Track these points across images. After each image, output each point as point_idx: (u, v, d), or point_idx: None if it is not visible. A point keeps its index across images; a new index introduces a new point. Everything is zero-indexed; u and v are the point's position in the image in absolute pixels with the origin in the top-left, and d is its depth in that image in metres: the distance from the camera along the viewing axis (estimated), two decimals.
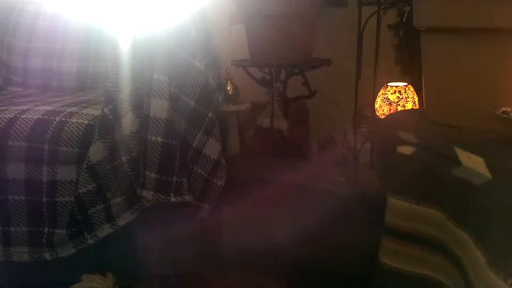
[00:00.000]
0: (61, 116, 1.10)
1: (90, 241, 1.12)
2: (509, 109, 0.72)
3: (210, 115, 1.08)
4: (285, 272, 1.19)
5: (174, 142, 1.03)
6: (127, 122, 1.04)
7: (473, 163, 0.68)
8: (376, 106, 1.38)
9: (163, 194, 1.03)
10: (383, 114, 1.34)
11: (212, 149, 1.09)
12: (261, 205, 1.16)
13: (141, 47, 1.01)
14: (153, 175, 1.03)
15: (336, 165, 1.22)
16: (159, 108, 1.01)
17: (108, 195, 1.10)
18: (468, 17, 0.74)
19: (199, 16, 1.11)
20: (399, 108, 1.32)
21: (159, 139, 1.01)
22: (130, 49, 1.00)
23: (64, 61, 1.61)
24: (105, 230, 1.12)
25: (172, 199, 1.04)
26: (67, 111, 1.13)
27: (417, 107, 1.38)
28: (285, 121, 1.56)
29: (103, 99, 1.05)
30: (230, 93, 1.39)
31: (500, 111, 0.71)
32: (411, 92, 1.36)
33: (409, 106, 1.32)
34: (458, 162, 0.73)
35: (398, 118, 0.98)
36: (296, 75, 1.55)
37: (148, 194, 1.03)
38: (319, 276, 1.14)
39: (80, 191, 1.06)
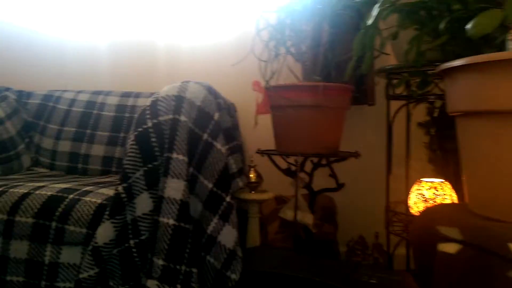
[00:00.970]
0: (75, 194, 1.06)
1: None
2: None
3: (228, 199, 1.01)
4: None
5: (187, 226, 0.95)
6: (141, 202, 0.98)
7: None
8: (410, 202, 1.27)
9: (169, 285, 0.92)
10: (418, 212, 1.23)
11: (228, 237, 1.00)
12: None
13: (162, 127, 0.99)
14: (160, 262, 0.93)
15: (367, 267, 1.09)
16: (175, 188, 0.95)
17: (111, 283, 1.00)
18: (507, 98, 0.68)
19: (222, 100, 1.11)
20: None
21: (171, 221, 0.94)
22: (152, 128, 0.99)
23: (93, 146, 1.64)
24: None
25: None
26: (83, 189, 1.10)
27: None
28: (310, 214, 1.46)
29: (119, 176, 1.01)
30: (252, 180, 1.33)
31: None
32: (448, 189, 1.26)
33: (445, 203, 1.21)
34: None
35: (437, 211, 0.87)
36: (323, 167, 1.49)
37: (152, 284, 0.93)
38: None
39: (81, 276, 0.97)
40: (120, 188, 0.98)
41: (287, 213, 1.49)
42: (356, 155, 1.39)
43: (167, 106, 1.00)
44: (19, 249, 1.00)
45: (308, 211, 1.47)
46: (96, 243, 0.97)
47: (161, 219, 0.94)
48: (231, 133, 1.11)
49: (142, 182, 0.99)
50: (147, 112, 1.00)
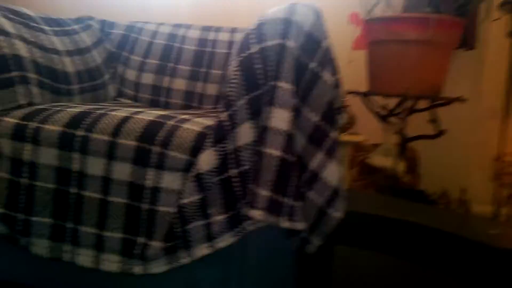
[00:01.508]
0: (174, 120, 1.05)
1: (184, 260, 1.02)
2: None
3: (333, 134, 0.95)
4: None
5: (293, 159, 0.91)
6: (243, 132, 0.95)
7: None
8: None
9: (274, 215, 0.90)
10: None
11: (332, 173, 0.95)
12: (388, 251, 0.97)
13: (268, 53, 0.93)
14: (266, 192, 0.91)
15: (477, 219, 1.01)
16: (280, 118, 0.90)
17: (210, 211, 1.00)
18: None
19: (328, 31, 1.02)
20: None
21: (277, 152, 0.90)
22: (258, 53, 0.93)
23: (175, 80, 1.63)
24: (202, 250, 1.01)
25: (283, 223, 0.90)
26: (180, 117, 1.08)
27: None
28: (400, 162, 1.38)
29: (220, 105, 0.98)
30: (345, 121, 1.26)
31: None
32: None
33: None
34: None
35: None
36: (418, 112, 1.39)
37: (257, 214, 0.91)
38: None
39: (183, 201, 0.97)
40: (223, 115, 0.95)
41: (376, 160, 1.42)
42: (462, 99, 1.28)
43: (274, 30, 0.93)
44: (122, 171, 1.02)
45: (397, 158, 1.39)
46: (199, 169, 0.95)
47: (266, 150, 0.91)
48: (335, 64, 1.03)
49: (245, 111, 0.95)
50: (252, 36, 0.94)
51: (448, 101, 1.27)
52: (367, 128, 1.47)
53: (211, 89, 1.61)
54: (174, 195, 1.01)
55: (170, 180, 1.01)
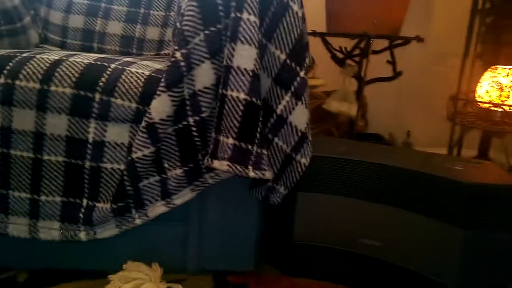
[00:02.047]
0: (117, 63, 0.90)
1: (138, 221, 0.91)
2: None
3: (302, 74, 0.86)
4: (373, 282, 0.96)
5: (258, 102, 0.82)
6: (202, 74, 0.83)
7: None
8: (480, 92, 1.16)
9: (240, 165, 0.82)
10: (491, 101, 1.12)
11: (300, 117, 0.87)
12: (355, 195, 0.94)
13: None
14: (231, 140, 0.81)
15: (440, 156, 1.00)
16: (245, 56, 0.80)
17: (166, 165, 0.89)
18: None
19: None
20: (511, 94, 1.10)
21: (242, 95, 0.80)
22: None
23: (109, 23, 1.43)
24: (158, 208, 0.91)
25: (251, 173, 0.82)
26: (123, 59, 0.93)
27: None
28: (356, 105, 1.34)
29: (174, 42, 0.85)
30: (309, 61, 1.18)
31: None
32: None
33: None
34: None
35: None
36: (374, 54, 1.34)
37: (222, 164, 0.81)
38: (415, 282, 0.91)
39: (134, 155, 0.85)
40: (178, 54, 0.82)
41: (332, 105, 1.37)
42: (419, 39, 1.24)
43: None
44: (57, 124, 0.86)
45: (354, 101, 1.35)
46: (151, 118, 0.83)
47: (229, 92, 0.80)
48: None
49: (203, 49, 0.82)
50: None
51: (407, 41, 1.23)
52: (322, 72, 1.40)
53: (152, 33, 1.43)
54: (123, 149, 0.88)
55: (116, 133, 0.87)
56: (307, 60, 0.92)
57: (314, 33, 1.22)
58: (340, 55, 1.29)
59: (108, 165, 0.88)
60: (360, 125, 1.49)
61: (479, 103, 1.18)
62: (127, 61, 0.92)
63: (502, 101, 1.13)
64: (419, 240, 0.89)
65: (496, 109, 1.12)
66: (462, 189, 0.82)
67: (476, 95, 1.19)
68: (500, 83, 1.11)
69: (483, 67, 1.59)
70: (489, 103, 1.13)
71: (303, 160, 0.90)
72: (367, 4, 1.11)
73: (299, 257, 1.00)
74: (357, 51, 1.31)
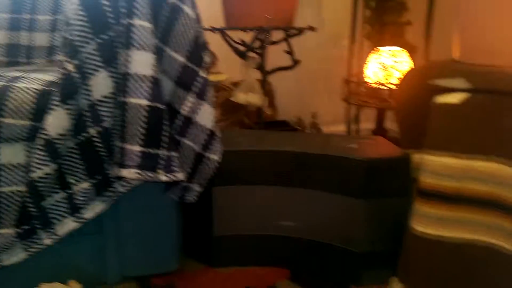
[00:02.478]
0: (3, 81, 0.83)
1: (47, 241, 0.87)
2: None
3: (203, 74, 0.88)
4: (292, 259, 1.03)
5: (162, 106, 0.82)
6: (98, 83, 0.81)
7: None
8: (368, 73, 1.27)
9: (150, 171, 0.82)
10: (378, 81, 1.24)
11: (206, 116, 0.89)
12: (267, 182, 0.98)
13: None
14: (137, 147, 0.81)
15: (338, 136, 1.08)
16: (142, 62, 0.79)
17: (71, 180, 0.86)
18: None
19: None
20: (395, 73, 1.22)
21: (144, 101, 0.80)
22: None
23: None
24: (68, 225, 0.87)
25: (162, 177, 0.83)
26: (10, 75, 0.87)
27: None
28: (263, 96, 1.40)
29: (64, 53, 0.81)
30: (209, 60, 1.19)
31: None
32: (406, 55, 1.27)
33: (405, 69, 1.22)
34: None
35: (429, 67, 0.86)
36: (274, 45, 1.40)
37: (130, 173, 0.80)
38: (329, 258, 0.99)
39: (33, 175, 0.80)
40: (70, 66, 0.78)
41: (239, 96, 1.41)
42: (312, 28, 1.32)
43: None
44: None
45: (260, 92, 1.40)
46: (47, 134, 0.79)
47: (130, 99, 0.79)
48: None
49: (96, 58, 0.80)
50: None
51: (300, 31, 1.29)
52: (227, 65, 1.43)
53: (41, 39, 1.33)
54: (20, 170, 0.83)
55: (11, 153, 0.82)
56: (206, 59, 0.93)
57: (212, 29, 1.23)
58: (242, 48, 1.32)
59: (6, 188, 0.83)
60: (269, 113, 1.55)
61: (368, 84, 1.29)
62: (15, 76, 0.86)
63: (386, 80, 1.25)
64: (328, 215, 0.97)
65: (383, 87, 1.24)
66: (357, 165, 0.90)
67: (365, 76, 1.31)
68: (383, 63, 1.23)
69: (372, 48, 1.73)
70: (377, 83, 1.25)
71: (214, 157, 0.93)
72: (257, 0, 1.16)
73: (221, 248, 1.04)
74: (257, 44, 1.35)
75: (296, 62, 1.36)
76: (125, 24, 0.78)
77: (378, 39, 1.70)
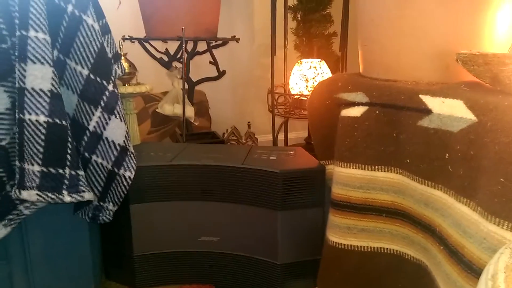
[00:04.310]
0: None
1: None
2: (467, 52, 0.66)
3: (110, 88, 0.84)
4: (217, 275, 1.01)
5: (64, 123, 0.78)
6: None
7: (449, 108, 0.60)
8: (292, 84, 1.28)
9: (52, 192, 0.77)
10: (300, 92, 1.26)
11: (115, 132, 0.86)
12: (187, 198, 0.96)
13: None
14: (36, 167, 0.76)
15: (260, 148, 1.09)
16: (39, 76, 0.74)
17: None
18: None
19: None
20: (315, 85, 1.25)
21: (42, 118, 0.75)
22: None
23: None
24: None
25: (67, 198, 0.78)
26: None
27: None
28: (191, 107, 1.38)
29: None
30: (126, 71, 1.15)
31: (461, 53, 0.65)
32: (325, 67, 1.30)
33: None
34: (426, 111, 0.65)
35: (334, 80, 0.88)
36: (199, 55, 1.39)
37: (30, 194, 0.75)
38: (252, 271, 0.99)
39: None
40: None
41: (165, 108, 1.38)
42: (236, 39, 1.32)
43: None
44: None
45: (188, 103, 1.38)
46: None
47: (27, 116, 0.74)
48: (99, 7, 0.90)
49: None
50: None
51: (224, 42, 1.29)
52: (152, 76, 1.39)
53: None
54: None
55: None
56: (114, 73, 0.90)
57: (130, 39, 1.20)
58: (165, 58, 1.30)
59: None
60: (196, 124, 1.52)
61: (292, 95, 1.31)
62: None
63: (309, 91, 1.27)
64: (250, 228, 0.96)
65: (305, 98, 1.26)
66: (273, 177, 0.90)
67: (290, 87, 1.33)
68: (305, 75, 1.26)
69: (300, 58, 1.77)
70: (299, 94, 1.27)
71: (127, 174, 0.89)
72: (177, 9, 1.14)
73: (143, 268, 1.00)
74: (180, 54, 1.33)
75: (221, 73, 1.35)
76: (19, 36, 0.74)
77: (307, 50, 1.75)
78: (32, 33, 0.74)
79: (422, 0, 0.70)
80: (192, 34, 1.18)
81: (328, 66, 1.59)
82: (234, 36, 1.31)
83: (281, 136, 1.77)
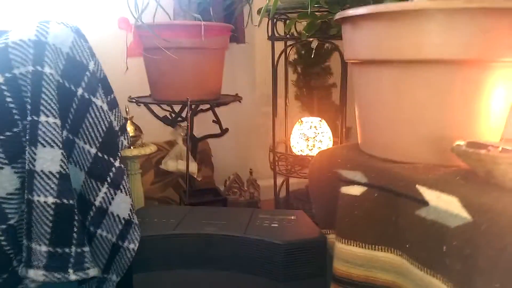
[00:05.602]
0: None
1: None
2: (461, 142, 0.69)
3: (117, 164, 0.87)
4: None
5: (71, 202, 0.80)
6: (3, 180, 0.78)
7: (445, 203, 0.62)
8: (293, 142, 1.31)
9: (59, 271, 0.78)
10: (301, 150, 1.28)
11: (121, 205, 0.88)
12: (189, 266, 0.97)
13: (20, 82, 0.77)
14: (44, 248, 0.77)
15: (263, 212, 1.10)
16: (48, 159, 0.77)
17: None
18: (410, 47, 0.71)
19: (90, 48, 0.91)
20: (316, 144, 1.27)
21: (50, 199, 0.77)
22: (5, 84, 0.76)
23: None
24: None
25: (72, 276, 0.79)
26: None
27: (332, 141, 1.36)
28: (194, 163, 1.40)
29: None
30: (131, 134, 1.19)
31: (454, 144, 0.68)
32: (325, 126, 1.33)
33: (325, 140, 1.28)
34: (423, 202, 0.67)
35: (335, 155, 0.90)
36: (203, 112, 1.42)
37: (37, 274, 0.77)
38: None
39: None
40: None
41: (169, 164, 1.40)
42: (238, 98, 1.36)
43: (24, 55, 0.77)
44: None
45: (191, 159, 1.41)
46: None
47: (36, 198, 0.77)
48: (107, 83, 0.94)
49: (0, 155, 0.77)
50: None
51: (227, 103, 1.33)
52: (155, 131, 1.43)
53: None
54: None
55: None
56: (121, 145, 0.93)
57: (137, 102, 1.24)
58: (170, 117, 1.33)
59: None
60: (202, 178, 1.55)
61: (292, 155, 1.34)
62: None
63: (310, 150, 1.30)
64: None
65: (307, 156, 1.29)
66: (275, 248, 0.92)
67: (291, 145, 1.36)
68: (305, 134, 1.29)
69: (301, 108, 1.81)
70: (300, 152, 1.30)
71: (131, 246, 0.91)
72: (182, 75, 1.18)
73: None
74: (185, 113, 1.37)
75: (224, 131, 1.38)
76: (31, 120, 0.77)
77: (306, 100, 1.79)
78: (43, 118, 0.77)
79: (416, 91, 0.74)
80: (196, 97, 1.22)
81: (328, 116, 1.62)
82: (237, 94, 1.35)
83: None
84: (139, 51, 1.19)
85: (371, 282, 0.79)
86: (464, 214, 0.59)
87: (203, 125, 1.53)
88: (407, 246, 0.72)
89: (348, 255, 0.81)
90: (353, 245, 0.80)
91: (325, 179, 0.91)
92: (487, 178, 0.64)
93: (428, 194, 0.66)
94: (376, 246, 0.77)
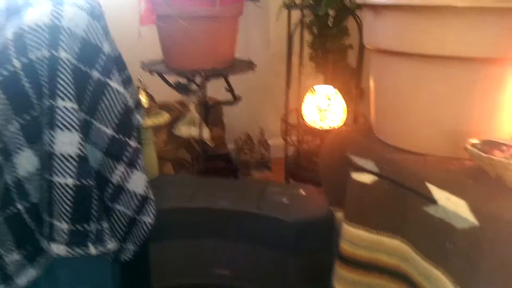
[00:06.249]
0: None
1: None
2: (475, 141, 0.69)
3: (133, 144, 0.89)
4: None
5: (91, 183, 0.83)
6: (24, 161, 0.81)
7: (454, 205, 0.64)
8: (305, 111, 1.31)
9: (80, 247, 0.83)
10: (313, 121, 1.28)
11: (137, 183, 0.91)
12: (202, 236, 1.02)
13: (36, 67, 0.78)
14: (65, 225, 0.82)
15: (274, 185, 1.13)
16: (67, 142, 0.79)
17: (1, 251, 0.86)
18: (433, 43, 0.69)
19: (106, 24, 0.89)
20: (329, 115, 1.27)
21: (70, 181, 0.80)
22: (22, 70, 0.77)
23: None
24: None
25: (93, 251, 0.84)
26: None
27: (346, 113, 1.36)
28: (206, 129, 1.42)
29: None
30: (145, 106, 1.20)
31: (470, 144, 0.68)
32: (340, 98, 1.32)
33: (338, 112, 1.28)
34: (432, 201, 0.68)
35: (347, 139, 0.91)
36: (216, 79, 1.41)
37: (60, 249, 0.82)
38: None
39: None
40: None
41: (182, 130, 1.42)
42: (252, 66, 1.34)
43: (39, 40, 0.76)
44: None
45: (204, 126, 1.42)
46: None
47: (56, 179, 0.80)
48: (121, 61, 0.93)
49: (20, 137, 0.80)
50: (11, 48, 0.76)
51: (241, 71, 1.32)
52: (167, 90, 1.42)
53: None
54: None
55: None
56: (136, 122, 0.94)
57: (150, 71, 1.23)
58: (182, 84, 1.33)
59: None
60: (215, 143, 1.56)
61: (305, 124, 1.34)
62: None
63: (321, 120, 1.30)
64: (261, 267, 1.02)
65: (319, 127, 1.29)
66: (286, 226, 0.96)
67: (303, 114, 1.35)
68: (319, 106, 1.28)
69: (315, 70, 1.78)
70: (313, 123, 1.30)
71: (147, 220, 0.95)
72: (195, 43, 1.16)
73: None
74: (198, 80, 1.36)
75: (237, 99, 1.38)
76: (48, 105, 0.78)
77: (321, 62, 1.75)
78: (60, 103, 0.78)
79: (436, 85, 0.72)
80: (210, 66, 1.21)
81: (343, 78, 1.60)
82: (251, 61, 1.33)
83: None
84: (152, 19, 1.16)
85: (374, 263, 0.83)
86: (472, 219, 0.61)
87: (215, 89, 1.53)
88: (411, 236, 0.74)
89: (355, 237, 0.84)
90: (360, 229, 0.83)
91: (336, 162, 0.92)
92: (498, 180, 0.65)
93: (437, 193, 0.67)
94: (383, 232, 0.80)
